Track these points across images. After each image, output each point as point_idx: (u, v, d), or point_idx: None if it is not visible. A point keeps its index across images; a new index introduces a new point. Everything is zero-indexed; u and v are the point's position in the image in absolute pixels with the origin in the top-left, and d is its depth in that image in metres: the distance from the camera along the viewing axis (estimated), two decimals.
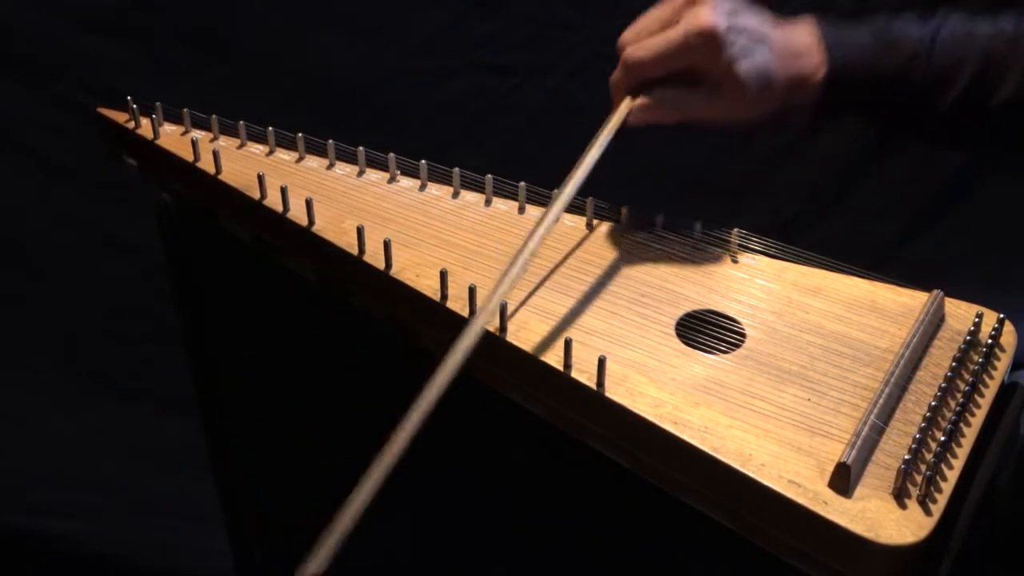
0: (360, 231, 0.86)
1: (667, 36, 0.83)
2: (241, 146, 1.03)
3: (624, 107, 0.86)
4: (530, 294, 0.84)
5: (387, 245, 0.85)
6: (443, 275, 0.82)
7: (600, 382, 0.74)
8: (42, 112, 1.53)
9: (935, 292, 0.83)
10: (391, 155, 0.99)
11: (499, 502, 0.92)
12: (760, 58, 0.84)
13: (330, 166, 1.00)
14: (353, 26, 1.63)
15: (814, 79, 0.86)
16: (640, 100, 0.86)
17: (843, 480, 0.67)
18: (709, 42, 0.82)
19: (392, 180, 0.99)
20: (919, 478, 0.67)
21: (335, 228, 0.90)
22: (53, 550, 1.60)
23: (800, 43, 0.87)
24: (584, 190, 0.94)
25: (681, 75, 0.85)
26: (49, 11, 1.48)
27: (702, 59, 0.83)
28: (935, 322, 0.81)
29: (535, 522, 0.90)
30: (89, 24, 1.51)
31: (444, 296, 0.82)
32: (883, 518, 0.65)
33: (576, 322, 0.81)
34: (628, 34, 0.87)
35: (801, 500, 0.66)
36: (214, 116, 1.03)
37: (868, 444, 0.69)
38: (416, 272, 0.85)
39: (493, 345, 0.79)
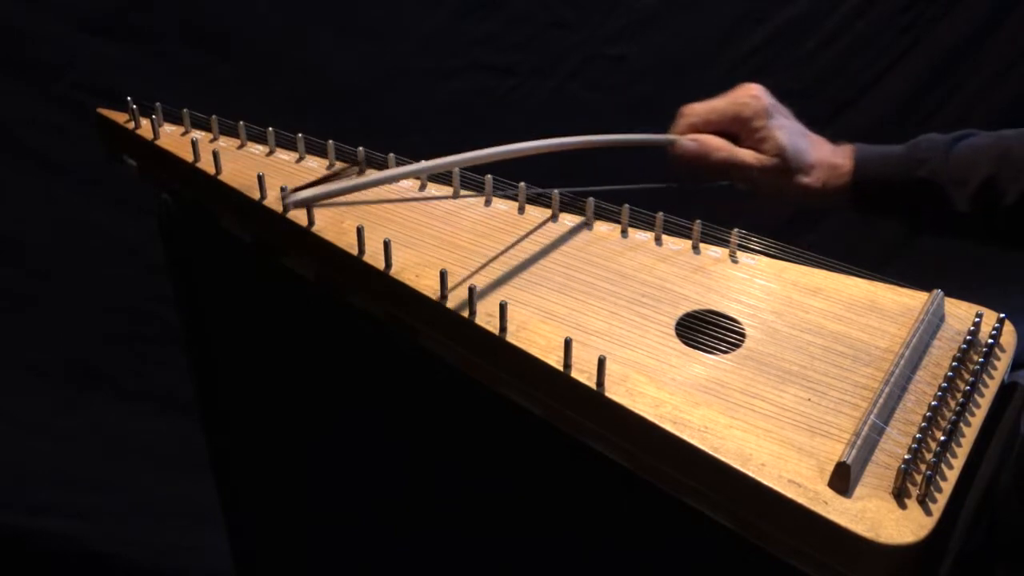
0: (360, 231, 0.86)
1: (718, 98, 0.98)
2: (241, 146, 1.03)
3: (668, 136, 0.97)
4: (529, 294, 0.84)
5: (387, 245, 0.85)
6: (443, 275, 0.82)
7: (600, 382, 0.74)
8: (42, 112, 1.53)
9: (935, 292, 0.83)
10: (391, 155, 0.99)
11: (499, 502, 0.92)
12: (799, 136, 0.96)
13: (330, 166, 1.00)
14: (353, 26, 1.63)
15: (844, 171, 0.97)
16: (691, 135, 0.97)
17: (843, 480, 0.67)
18: (756, 102, 0.95)
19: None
20: (919, 478, 0.67)
21: (335, 228, 0.90)
22: (53, 550, 1.60)
23: (833, 145, 0.99)
24: (583, 190, 0.95)
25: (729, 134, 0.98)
26: (49, 11, 1.48)
27: (748, 115, 0.95)
28: (935, 322, 0.81)
29: (534, 522, 0.90)
30: (89, 24, 1.51)
31: (444, 296, 0.82)
32: (883, 518, 0.65)
33: (576, 322, 0.81)
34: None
35: (801, 500, 0.66)
36: (214, 116, 1.03)
37: (868, 444, 0.69)
38: (416, 272, 0.85)
39: (493, 345, 0.79)
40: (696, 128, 0.98)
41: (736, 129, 0.97)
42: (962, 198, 0.93)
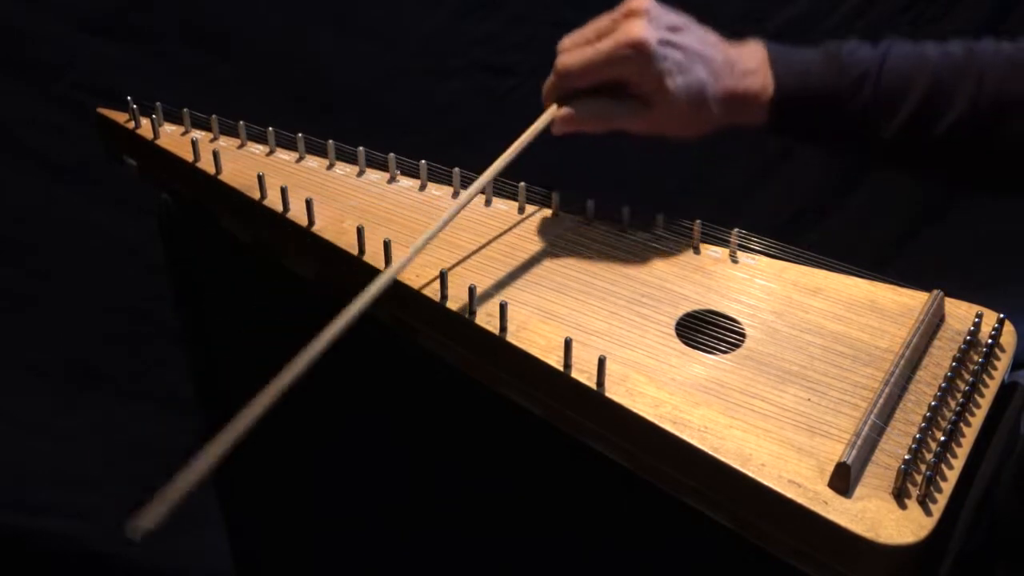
0: (360, 231, 0.86)
1: (598, 47, 0.83)
2: (241, 146, 1.03)
3: (548, 115, 0.86)
4: (529, 294, 0.84)
5: (387, 245, 0.85)
6: (443, 275, 0.82)
7: (600, 382, 0.74)
8: (42, 112, 1.53)
9: (935, 292, 0.83)
10: (391, 155, 0.99)
11: (499, 502, 0.92)
12: (695, 75, 0.84)
13: (330, 166, 1.00)
14: (353, 26, 1.62)
15: (761, 98, 0.86)
16: (564, 109, 0.86)
17: (843, 480, 0.67)
18: (638, 55, 0.82)
19: (392, 180, 0.99)
20: (919, 478, 0.67)
21: (335, 228, 0.90)
22: (53, 550, 1.60)
23: (747, 63, 0.87)
24: (584, 190, 0.95)
25: (611, 87, 0.85)
26: (49, 11, 1.48)
27: (630, 71, 0.83)
28: (935, 322, 0.81)
29: (534, 522, 0.90)
30: (89, 24, 1.51)
31: (444, 296, 0.82)
32: (883, 518, 0.65)
33: (576, 322, 0.81)
34: (566, 41, 0.87)
35: (801, 500, 0.66)
36: (214, 116, 1.03)
37: (868, 444, 0.69)
38: (416, 272, 0.85)
39: (493, 345, 0.79)
40: (574, 88, 0.87)
41: (622, 82, 0.86)
42: (889, 127, 0.86)
